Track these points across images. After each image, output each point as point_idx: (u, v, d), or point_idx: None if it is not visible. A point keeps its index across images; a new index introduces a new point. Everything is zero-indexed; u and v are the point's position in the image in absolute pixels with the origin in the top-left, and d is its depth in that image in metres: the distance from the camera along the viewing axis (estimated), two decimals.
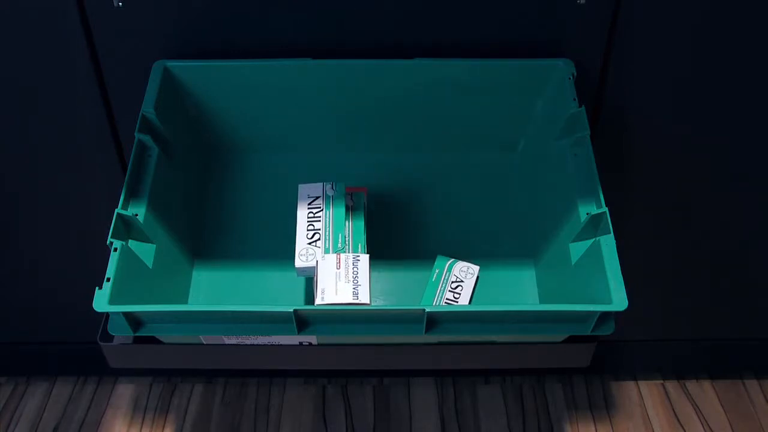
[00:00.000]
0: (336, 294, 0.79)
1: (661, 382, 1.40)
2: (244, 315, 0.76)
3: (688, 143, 1.02)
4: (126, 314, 0.73)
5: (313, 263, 0.82)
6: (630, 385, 1.40)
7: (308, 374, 1.40)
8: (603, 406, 1.37)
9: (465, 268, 0.87)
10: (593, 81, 0.95)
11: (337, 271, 0.80)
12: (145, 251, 0.81)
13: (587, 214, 0.80)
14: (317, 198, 0.87)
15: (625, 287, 0.74)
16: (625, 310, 0.73)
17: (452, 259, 0.88)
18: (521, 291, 0.88)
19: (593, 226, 0.80)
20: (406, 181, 0.97)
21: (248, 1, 0.88)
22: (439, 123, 0.97)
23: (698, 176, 1.06)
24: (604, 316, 0.76)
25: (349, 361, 0.82)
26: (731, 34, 0.91)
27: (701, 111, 0.98)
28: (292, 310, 0.72)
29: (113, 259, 0.76)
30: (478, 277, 0.88)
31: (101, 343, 0.80)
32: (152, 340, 0.79)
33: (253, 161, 0.99)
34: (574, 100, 0.88)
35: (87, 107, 0.97)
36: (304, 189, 0.88)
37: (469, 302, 0.86)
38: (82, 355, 1.33)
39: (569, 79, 0.90)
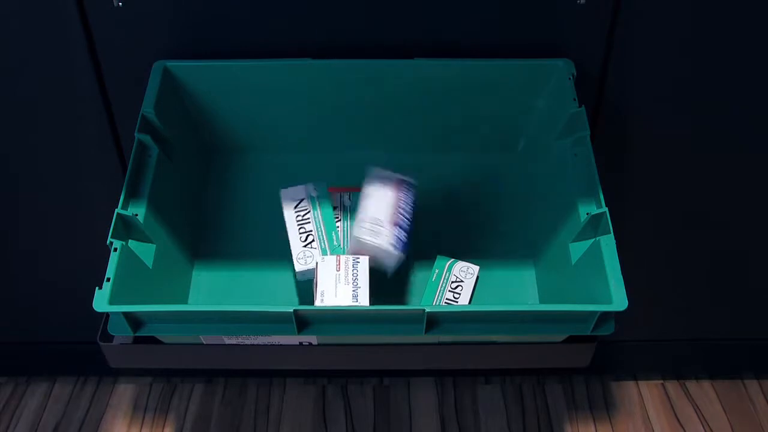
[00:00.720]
0: (336, 296, 0.79)
1: (661, 382, 1.40)
2: (244, 315, 0.76)
3: (688, 143, 1.02)
4: (126, 314, 0.73)
5: (312, 265, 0.82)
6: (630, 385, 1.40)
7: (308, 374, 1.40)
8: (603, 406, 1.37)
9: (465, 268, 0.87)
10: (593, 81, 0.95)
11: (337, 273, 0.80)
12: (145, 251, 0.81)
13: (587, 214, 0.80)
14: (302, 200, 0.87)
15: (625, 287, 0.74)
16: (625, 310, 0.73)
17: (452, 259, 0.88)
18: (521, 291, 0.88)
19: (593, 226, 0.80)
20: None
21: (248, 1, 0.88)
22: (438, 123, 0.97)
23: (698, 176, 1.06)
24: (604, 316, 0.76)
25: (349, 361, 0.82)
26: (731, 34, 0.91)
27: (701, 111, 0.98)
28: (292, 310, 0.72)
29: (113, 259, 0.76)
30: (478, 277, 0.87)
31: (101, 343, 0.80)
32: (152, 340, 0.79)
33: (253, 161, 0.99)
34: (574, 100, 0.88)
35: (87, 107, 0.96)
36: (286, 193, 0.88)
37: (469, 302, 0.86)
38: (82, 355, 1.33)
39: (569, 79, 0.90)
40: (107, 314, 0.77)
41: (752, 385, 1.40)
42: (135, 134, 0.84)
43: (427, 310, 0.73)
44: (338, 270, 0.80)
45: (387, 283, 0.88)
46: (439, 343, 0.80)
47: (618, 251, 0.77)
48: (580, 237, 0.81)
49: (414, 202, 0.84)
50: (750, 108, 0.98)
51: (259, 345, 0.79)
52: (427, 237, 0.92)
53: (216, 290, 0.88)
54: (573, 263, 0.81)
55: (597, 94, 0.97)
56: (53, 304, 1.23)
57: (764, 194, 1.08)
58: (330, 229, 0.85)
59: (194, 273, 0.89)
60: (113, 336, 0.79)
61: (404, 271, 0.89)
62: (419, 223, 0.90)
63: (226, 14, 0.89)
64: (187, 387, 1.39)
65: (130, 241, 0.80)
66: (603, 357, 1.35)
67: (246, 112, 0.96)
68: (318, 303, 0.79)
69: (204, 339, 0.78)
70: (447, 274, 0.87)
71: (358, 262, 0.81)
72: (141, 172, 0.84)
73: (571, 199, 0.84)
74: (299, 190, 0.88)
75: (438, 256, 0.89)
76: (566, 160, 0.87)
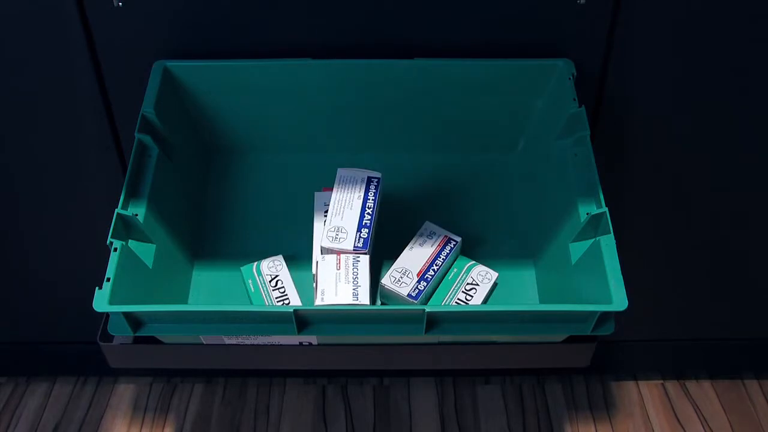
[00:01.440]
0: (336, 295, 0.79)
1: (661, 382, 1.40)
2: (244, 315, 0.75)
3: (688, 143, 1.02)
4: (126, 314, 0.73)
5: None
6: (630, 385, 1.40)
7: (308, 374, 1.40)
8: (603, 406, 1.37)
9: (483, 272, 0.87)
10: (593, 81, 0.95)
11: (337, 272, 0.80)
12: (145, 251, 0.81)
13: (587, 214, 0.80)
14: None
15: (625, 287, 0.74)
16: (625, 310, 0.73)
17: (473, 262, 0.88)
18: (521, 291, 0.88)
19: (593, 226, 0.80)
20: (405, 180, 0.97)
21: (248, 1, 0.88)
22: (438, 123, 0.97)
23: (698, 176, 1.06)
24: (604, 316, 0.76)
25: (349, 361, 0.82)
26: (731, 34, 0.91)
27: (701, 111, 0.98)
28: (292, 310, 0.72)
29: (113, 259, 0.76)
30: (495, 283, 0.87)
31: (101, 343, 0.80)
32: (152, 340, 0.79)
33: (253, 161, 0.99)
34: (574, 100, 0.88)
35: (87, 107, 0.96)
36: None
37: None
38: (82, 355, 1.33)
39: (569, 79, 0.90)
40: (107, 314, 0.77)
41: (752, 385, 1.40)
42: (135, 134, 0.84)
43: (427, 310, 0.73)
44: (338, 269, 0.80)
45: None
46: (439, 343, 0.80)
47: (618, 251, 0.77)
48: (580, 237, 0.81)
49: (378, 198, 0.87)
50: (750, 107, 0.98)
51: (259, 345, 0.79)
52: None
53: (216, 290, 0.88)
54: (573, 263, 0.81)
55: (597, 94, 0.97)
56: (53, 304, 1.23)
57: (764, 194, 1.08)
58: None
59: (194, 273, 0.89)
60: (113, 336, 0.79)
61: None
62: (419, 223, 0.90)
63: (226, 14, 0.89)
64: (187, 387, 1.39)
65: (130, 241, 0.80)
66: (603, 357, 1.35)
67: (246, 112, 0.96)
68: (318, 302, 0.79)
69: (204, 339, 0.78)
70: (464, 276, 0.87)
71: (359, 260, 0.81)
72: (141, 172, 0.84)
73: (571, 199, 0.84)
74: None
75: (460, 256, 0.89)
76: (566, 160, 0.87)
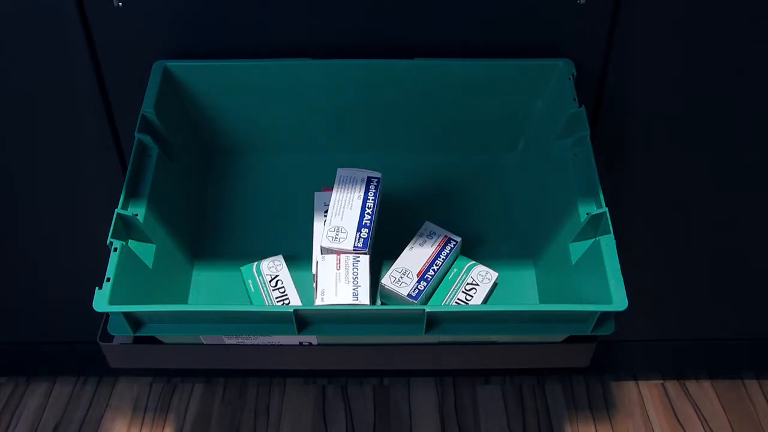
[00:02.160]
0: (336, 295, 0.79)
1: (661, 382, 1.40)
2: (244, 315, 0.75)
3: (688, 143, 1.02)
4: (126, 314, 0.73)
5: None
6: (630, 385, 1.40)
7: (308, 374, 1.40)
8: (603, 406, 1.37)
9: (483, 273, 0.87)
10: (593, 81, 0.95)
11: (337, 272, 0.80)
12: (145, 251, 0.81)
13: (587, 214, 0.80)
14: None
15: (625, 287, 0.74)
16: (625, 310, 0.73)
17: (473, 262, 0.88)
18: (521, 291, 0.88)
19: (593, 226, 0.80)
20: (405, 181, 0.97)
21: (248, 1, 0.88)
22: (438, 123, 0.97)
23: (698, 176, 1.06)
24: (604, 316, 0.76)
25: (349, 361, 0.82)
26: (731, 34, 0.91)
27: (701, 111, 0.98)
28: (292, 310, 0.72)
29: (113, 259, 0.76)
30: (495, 283, 0.87)
31: (101, 343, 0.80)
32: (152, 340, 0.79)
33: (253, 161, 0.99)
34: (574, 100, 0.88)
35: (87, 107, 0.97)
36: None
37: None
38: (82, 355, 1.33)
39: (569, 79, 0.90)
40: (107, 314, 0.77)
41: (752, 385, 1.40)
42: (135, 134, 0.84)
43: (427, 310, 0.73)
44: (338, 269, 0.80)
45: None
46: (439, 343, 0.80)
47: (618, 251, 0.77)
48: (580, 237, 0.81)
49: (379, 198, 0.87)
50: (750, 107, 0.98)
51: (259, 345, 0.79)
52: None
53: (216, 290, 0.88)
54: (573, 263, 0.81)
55: (597, 94, 0.97)
56: (53, 304, 1.23)
57: (764, 194, 1.08)
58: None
59: (194, 273, 0.89)
60: (113, 336, 0.79)
61: None
62: (419, 223, 0.90)
63: (226, 14, 0.89)
64: (187, 387, 1.39)
65: (130, 241, 0.80)
66: (603, 357, 1.35)
67: (246, 112, 0.96)
68: (318, 302, 0.79)
69: (204, 339, 0.78)
70: (464, 276, 0.87)
71: (359, 260, 0.81)
72: (141, 172, 0.84)
73: (571, 199, 0.84)
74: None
75: (460, 257, 0.89)
76: (566, 160, 0.87)
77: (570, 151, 0.87)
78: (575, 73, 0.90)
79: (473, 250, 0.91)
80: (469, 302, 0.85)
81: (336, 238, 0.82)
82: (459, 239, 0.87)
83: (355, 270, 0.80)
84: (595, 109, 0.98)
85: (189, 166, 0.94)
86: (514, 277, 0.89)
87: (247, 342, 0.79)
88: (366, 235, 0.83)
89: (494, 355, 0.82)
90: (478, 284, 0.86)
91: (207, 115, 0.96)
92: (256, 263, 0.87)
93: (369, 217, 0.84)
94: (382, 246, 0.89)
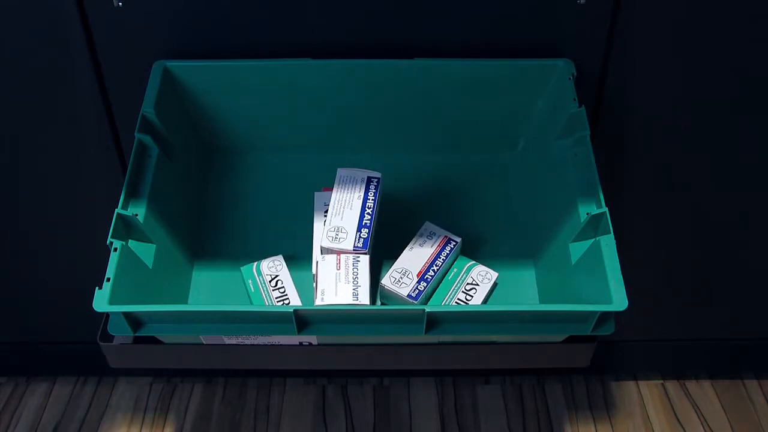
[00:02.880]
0: (336, 295, 0.79)
1: (661, 382, 1.40)
2: (244, 315, 0.75)
3: (688, 143, 1.02)
4: (126, 314, 0.73)
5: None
6: (630, 385, 1.40)
7: (308, 374, 1.40)
8: (603, 406, 1.37)
9: (483, 272, 0.87)
10: (593, 81, 0.95)
11: (337, 272, 0.80)
12: (145, 251, 0.81)
13: (587, 214, 0.80)
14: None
15: (625, 287, 0.74)
16: (625, 310, 0.73)
17: (473, 262, 0.88)
18: (521, 291, 0.88)
19: (593, 226, 0.80)
20: (405, 181, 0.97)
21: (248, 1, 0.88)
22: (438, 123, 0.97)
23: (698, 176, 1.06)
24: (604, 316, 0.76)
25: (349, 361, 0.82)
26: (731, 34, 0.91)
27: (701, 111, 0.98)
28: (292, 310, 0.72)
29: (113, 259, 0.76)
30: (495, 283, 0.87)
31: (101, 343, 0.80)
32: (152, 340, 0.79)
33: (253, 161, 0.99)
34: (574, 100, 0.88)
35: (87, 107, 0.97)
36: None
37: None
38: (82, 355, 1.33)
39: (569, 79, 0.90)
40: (107, 314, 0.77)
41: (752, 385, 1.40)
42: (135, 134, 0.84)
43: (427, 310, 0.73)
44: (338, 269, 0.80)
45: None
46: (439, 343, 0.80)
47: (618, 251, 0.77)
48: (580, 237, 0.81)
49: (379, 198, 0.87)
50: (750, 107, 0.98)
51: (259, 345, 0.79)
52: None
53: (216, 290, 0.88)
54: (573, 263, 0.81)
55: (597, 94, 0.97)
56: (53, 304, 1.23)
57: (764, 194, 1.08)
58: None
59: (194, 273, 0.89)
60: (113, 336, 0.79)
61: None
62: (419, 223, 0.90)
63: (226, 14, 0.89)
64: (187, 387, 1.39)
65: (130, 241, 0.80)
66: (603, 357, 1.35)
67: (246, 112, 0.96)
68: (318, 302, 0.79)
69: (204, 339, 0.78)
70: (464, 276, 0.87)
71: (359, 260, 0.81)
72: (141, 172, 0.84)
73: (571, 199, 0.84)
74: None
75: (460, 257, 0.89)
76: (566, 160, 0.87)
77: (570, 151, 0.87)
78: (575, 73, 0.90)
79: (473, 250, 0.91)
80: (469, 302, 0.85)
81: (336, 238, 0.82)
82: (459, 239, 0.87)
83: (355, 270, 0.80)
84: (595, 109, 0.98)
85: (189, 166, 0.94)
86: (514, 277, 0.89)
87: (247, 342, 0.79)
88: (366, 235, 0.83)
89: (494, 355, 0.82)
90: (478, 284, 0.86)
91: (207, 115, 0.96)
92: (256, 263, 0.87)
93: (369, 217, 0.84)
94: (382, 246, 0.89)
